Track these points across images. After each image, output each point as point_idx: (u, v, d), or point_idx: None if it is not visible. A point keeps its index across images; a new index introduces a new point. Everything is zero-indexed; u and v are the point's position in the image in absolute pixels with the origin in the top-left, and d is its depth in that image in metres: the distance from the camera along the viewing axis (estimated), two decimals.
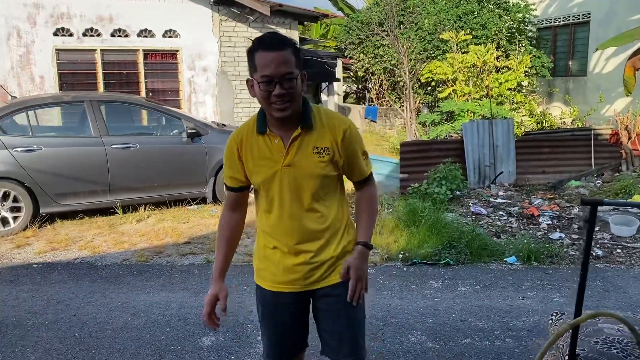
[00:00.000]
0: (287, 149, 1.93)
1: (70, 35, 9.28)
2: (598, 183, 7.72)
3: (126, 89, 9.50)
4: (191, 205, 7.34)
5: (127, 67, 9.68)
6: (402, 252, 5.44)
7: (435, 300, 4.40)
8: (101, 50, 9.45)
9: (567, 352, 2.13)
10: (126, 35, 9.54)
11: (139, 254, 5.61)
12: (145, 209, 7.03)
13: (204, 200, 7.41)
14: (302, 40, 11.83)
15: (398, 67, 13.26)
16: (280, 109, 1.84)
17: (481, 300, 4.41)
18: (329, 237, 2.04)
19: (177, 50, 9.82)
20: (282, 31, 10.20)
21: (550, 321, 2.52)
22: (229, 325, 3.92)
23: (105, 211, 6.95)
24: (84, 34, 9.33)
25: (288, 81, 1.81)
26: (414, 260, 5.26)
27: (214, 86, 10.00)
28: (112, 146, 6.72)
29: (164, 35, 9.70)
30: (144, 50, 9.64)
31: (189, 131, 7.07)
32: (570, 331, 2.11)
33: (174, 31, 9.74)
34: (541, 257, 5.24)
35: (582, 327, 2.24)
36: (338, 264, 2.07)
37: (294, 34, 10.34)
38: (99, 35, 9.41)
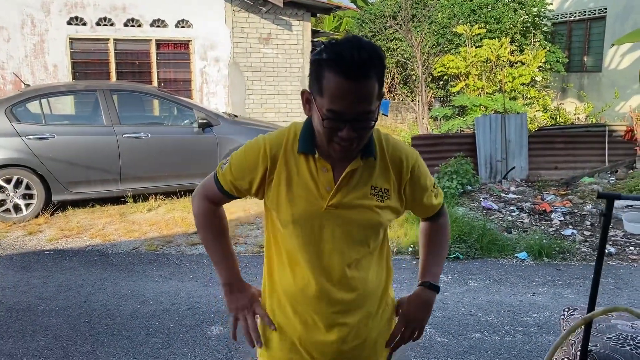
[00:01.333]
0: (338, 183, 1.42)
1: (84, 24, 9.30)
2: (612, 180, 7.63)
3: (138, 78, 9.51)
4: None
5: (140, 57, 9.70)
6: (411, 246, 5.41)
7: (445, 294, 4.38)
8: (114, 39, 9.46)
9: (580, 348, 2.10)
10: (139, 25, 9.55)
11: (149, 243, 5.63)
12: (155, 198, 7.05)
13: None
14: (315, 32, 11.78)
15: (410, 60, 13.18)
16: (343, 151, 1.36)
17: (491, 295, 4.38)
18: (375, 303, 1.55)
19: (189, 41, 9.82)
20: (295, 23, 10.17)
21: (562, 317, 2.49)
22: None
23: (116, 200, 6.98)
24: (98, 24, 9.35)
25: (363, 122, 1.31)
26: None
27: (226, 77, 9.99)
28: (124, 135, 6.74)
29: (176, 26, 9.70)
30: (156, 40, 9.64)
31: (200, 121, 7.06)
32: (583, 327, 2.09)
33: (187, 21, 9.73)
34: (553, 254, 5.19)
35: (594, 323, 2.21)
36: (384, 337, 1.61)
37: (306, 26, 10.30)
38: (112, 24, 9.42)
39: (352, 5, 19.04)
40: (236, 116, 8.24)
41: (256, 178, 1.47)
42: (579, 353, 2.11)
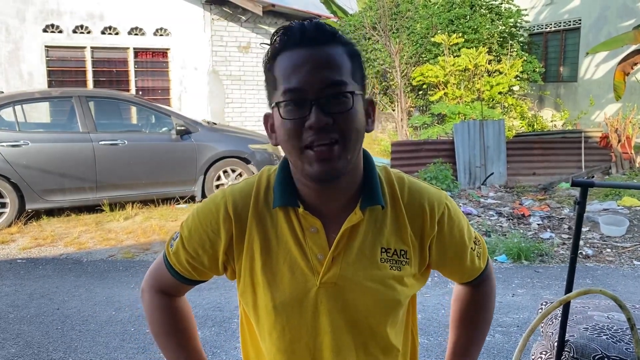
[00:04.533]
0: (334, 249, 1.00)
1: (60, 32, 9.20)
2: None
3: (116, 87, 9.42)
4: (179, 203, 7.27)
5: (117, 65, 9.62)
6: None
7: (425, 296, 4.36)
8: (91, 47, 9.37)
9: (557, 339, 2.10)
10: (117, 33, 9.48)
11: (125, 251, 5.53)
12: (132, 206, 6.95)
13: (192, 199, 7.34)
14: None
15: (390, 70, 13.28)
16: (322, 157, 0.92)
17: None
18: None
19: (167, 49, 9.77)
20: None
21: (540, 310, 2.49)
22: (215, 320, 3.86)
23: (92, 208, 6.86)
24: (74, 31, 9.26)
25: (336, 99, 0.92)
26: None
27: (205, 86, 9.94)
28: (100, 142, 6.64)
29: (154, 34, 9.65)
30: (134, 49, 9.58)
31: (178, 128, 7.00)
32: (560, 319, 2.08)
33: (165, 29, 9.69)
34: (531, 256, 5.21)
35: (571, 314, 2.21)
36: None
37: None
38: (89, 32, 9.34)
39: (332, 16, 19.16)
40: (215, 124, 8.19)
41: (219, 251, 1.04)
42: (556, 344, 2.11)
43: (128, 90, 9.45)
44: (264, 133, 6.87)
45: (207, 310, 4.05)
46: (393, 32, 12.20)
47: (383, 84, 14.45)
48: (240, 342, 1.17)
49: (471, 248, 1.13)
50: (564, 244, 5.61)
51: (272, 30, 10.10)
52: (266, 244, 1.01)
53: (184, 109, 9.80)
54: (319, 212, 1.00)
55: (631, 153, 8.29)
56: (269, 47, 0.98)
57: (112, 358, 3.35)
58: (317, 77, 0.91)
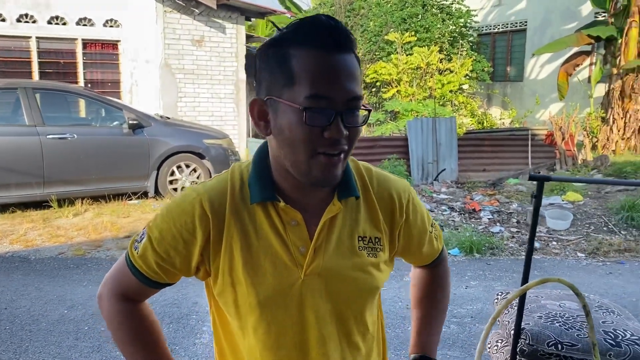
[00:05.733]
0: (315, 240, 1.01)
1: (3, 20, 8.78)
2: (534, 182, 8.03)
3: (63, 79, 9.07)
4: (132, 199, 7.10)
5: (65, 56, 9.26)
6: None
7: (382, 290, 4.43)
8: (37, 38, 8.98)
9: (513, 327, 2.19)
10: (64, 23, 9.13)
11: (76, 248, 5.36)
12: (82, 202, 6.73)
13: (145, 195, 7.18)
14: (249, 37, 11.68)
15: None
16: (331, 168, 0.95)
17: None
18: None
19: (118, 41, 9.49)
20: (228, 26, 10.07)
21: (496, 301, 2.58)
22: (173, 317, 3.81)
23: (40, 204, 6.60)
24: (18, 20, 8.86)
25: (354, 113, 0.95)
26: None
27: (157, 79, 9.72)
28: (48, 136, 6.40)
29: (104, 25, 9.35)
30: (82, 40, 9.24)
31: (130, 122, 6.83)
32: (517, 308, 2.17)
33: (115, 21, 9.41)
34: (482, 249, 5.39)
35: (526, 304, 2.30)
36: None
37: (240, 30, 10.22)
38: (34, 21, 8.95)
39: (286, 11, 19.10)
40: (169, 118, 8.04)
41: (194, 252, 1.00)
42: (512, 332, 2.20)
43: (76, 83, 9.13)
44: (219, 128, 6.76)
45: (164, 307, 3.99)
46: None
47: None
48: (212, 340, 1.15)
49: (430, 232, 1.18)
50: (513, 237, 5.82)
51: (227, 24, 10.00)
52: (246, 240, 1.00)
53: (134, 102, 9.55)
54: (298, 206, 1.01)
55: (574, 150, 8.67)
56: (281, 32, 0.95)
57: (65, 357, 3.25)
58: (345, 89, 0.92)
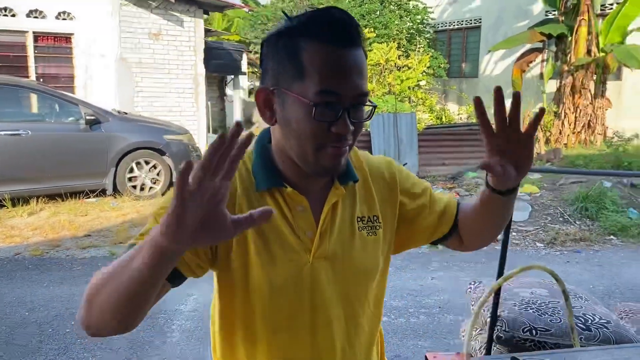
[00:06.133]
0: (321, 225, 1.03)
1: None
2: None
3: (13, 73, 8.70)
4: (89, 197, 6.89)
5: (14, 49, 8.89)
6: None
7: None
8: None
9: (489, 315, 2.24)
10: (13, 15, 8.76)
11: (33, 248, 5.17)
12: (37, 201, 6.50)
13: (103, 192, 6.99)
14: (207, 31, 11.50)
15: None
16: (337, 159, 0.96)
17: (393, 281, 4.53)
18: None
19: (71, 34, 9.17)
20: (186, 19, 9.89)
21: (469, 289, 2.64)
22: None
23: None
24: None
25: (360, 109, 0.96)
26: None
27: (113, 74, 9.46)
28: (0, 133, 6.14)
29: (57, 17, 9.02)
30: (34, 33, 8.89)
31: (87, 118, 6.63)
32: (492, 297, 2.23)
33: (69, 13, 9.09)
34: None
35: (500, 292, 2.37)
36: None
37: (198, 23, 10.06)
38: None
39: (244, 5, 18.92)
40: (126, 113, 7.84)
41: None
42: (488, 320, 2.25)
43: (27, 77, 8.78)
44: (177, 124, 6.62)
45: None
46: None
47: None
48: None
49: (430, 190, 1.19)
50: None
51: (185, 17, 9.82)
52: (258, 226, 0.99)
53: (89, 97, 9.25)
54: (302, 192, 1.02)
55: None
56: (292, 22, 0.95)
57: None
58: (353, 85, 0.93)
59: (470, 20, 15.03)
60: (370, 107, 0.98)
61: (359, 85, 0.93)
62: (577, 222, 6.09)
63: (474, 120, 11.28)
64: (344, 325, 1.06)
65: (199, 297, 4.06)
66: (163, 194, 7.05)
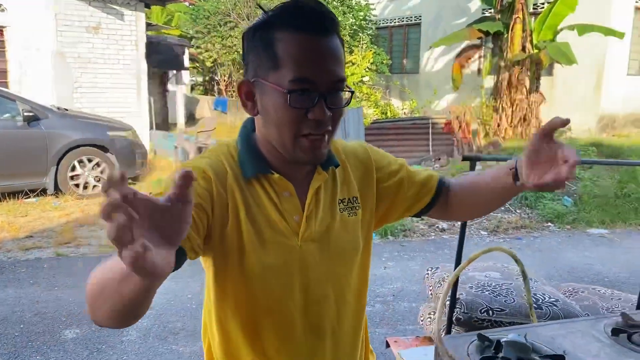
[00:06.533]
0: (307, 209, 1.06)
1: None
2: (436, 167, 8.52)
3: None
4: (29, 197, 6.61)
5: None
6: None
7: None
8: None
9: (448, 298, 2.35)
10: None
11: None
12: None
13: (44, 192, 6.72)
14: (148, 25, 11.22)
15: None
16: (315, 149, 0.99)
17: None
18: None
19: (4, 27, 8.72)
20: (127, 12, 9.62)
21: (427, 275, 2.74)
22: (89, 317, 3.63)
23: None
24: None
25: (337, 95, 0.98)
26: None
27: (50, 69, 9.08)
28: None
29: None
30: None
31: (25, 114, 6.36)
32: (449, 280, 2.34)
33: (0, 5, 8.64)
34: (395, 232, 5.65)
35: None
36: None
37: (140, 17, 9.79)
38: None
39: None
40: (67, 110, 7.56)
41: (210, 217, 0.99)
42: (447, 302, 2.36)
43: None
44: (121, 120, 6.44)
45: (83, 306, 3.79)
46: (250, 20, 12.18)
47: (241, 70, 14.41)
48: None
49: (404, 165, 1.23)
50: (422, 219, 6.14)
51: (125, 10, 9.54)
52: (249, 210, 1.02)
53: (24, 93, 8.85)
54: (288, 178, 1.05)
55: (469, 137, 9.28)
56: (267, 15, 0.98)
57: None
58: (328, 71, 0.95)
59: (411, 17, 15.38)
60: (348, 93, 1.00)
61: (333, 72, 0.95)
62: (517, 211, 6.39)
63: (417, 115, 11.60)
64: (333, 305, 1.10)
65: None
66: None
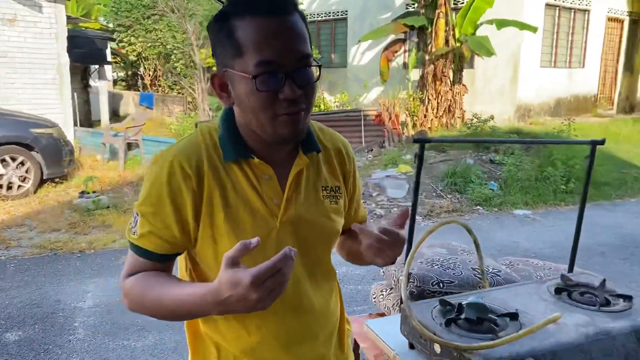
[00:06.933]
0: (287, 192, 1.10)
1: None
2: (370, 157, 8.76)
3: None
4: None
5: None
6: None
7: None
8: None
9: (401, 275, 2.48)
10: None
11: None
12: None
13: None
14: (70, 18, 10.71)
15: (174, 51, 13.00)
16: (294, 125, 1.00)
17: None
18: (334, 335, 1.31)
19: None
20: (45, 4, 9.14)
21: None
22: (36, 317, 3.51)
23: None
24: None
25: (305, 72, 0.99)
26: None
27: None
28: None
29: None
30: None
31: None
32: (404, 255, 2.47)
33: None
34: None
35: (405, 252, 2.63)
36: None
37: (60, 9, 9.34)
38: None
39: None
40: None
41: (187, 214, 1.03)
42: (401, 277, 2.49)
43: None
44: (43, 116, 6.20)
45: (22, 308, 3.65)
46: (184, 13, 11.92)
47: (167, 65, 14.08)
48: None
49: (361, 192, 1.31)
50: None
51: (43, 2, 9.08)
52: (225, 195, 1.04)
53: None
54: (268, 162, 1.08)
55: (398, 128, 9.59)
56: (223, 4, 1.00)
57: None
58: (290, 50, 0.96)
59: (337, 12, 15.61)
60: (316, 68, 1.01)
61: (297, 49, 0.97)
62: (448, 196, 6.71)
63: (348, 107, 11.82)
64: (308, 284, 1.15)
65: (96, 291, 3.91)
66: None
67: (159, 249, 1.05)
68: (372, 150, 9.10)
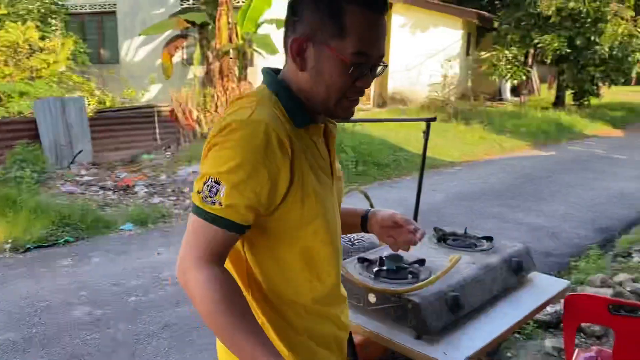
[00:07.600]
0: (330, 150, 1.22)
1: None
2: (168, 155, 8.54)
3: None
4: None
5: None
6: (8, 242, 4.80)
7: (77, 275, 4.19)
8: None
9: None
10: None
11: None
12: None
13: None
14: None
15: None
16: (351, 109, 1.14)
17: (121, 264, 4.46)
18: None
19: None
20: None
21: None
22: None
23: None
24: None
25: (379, 69, 1.13)
26: (28, 246, 4.76)
27: None
28: None
29: None
30: None
31: None
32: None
33: None
34: (155, 220, 5.59)
35: None
36: None
37: None
38: None
39: None
40: None
41: (280, 181, 1.04)
42: None
43: None
44: None
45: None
46: None
47: None
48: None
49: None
50: (175, 205, 6.19)
51: None
52: (306, 157, 1.10)
53: None
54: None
55: (193, 124, 9.52)
56: None
57: None
58: (380, 47, 1.08)
59: (105, 5, 14.67)
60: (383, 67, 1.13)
61: (383, 47, 1.09)
62: None
63: (138, 104, 11.29)
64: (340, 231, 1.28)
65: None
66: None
67: (245, 219, 1.03)
68: (169, 147, 8.89)
